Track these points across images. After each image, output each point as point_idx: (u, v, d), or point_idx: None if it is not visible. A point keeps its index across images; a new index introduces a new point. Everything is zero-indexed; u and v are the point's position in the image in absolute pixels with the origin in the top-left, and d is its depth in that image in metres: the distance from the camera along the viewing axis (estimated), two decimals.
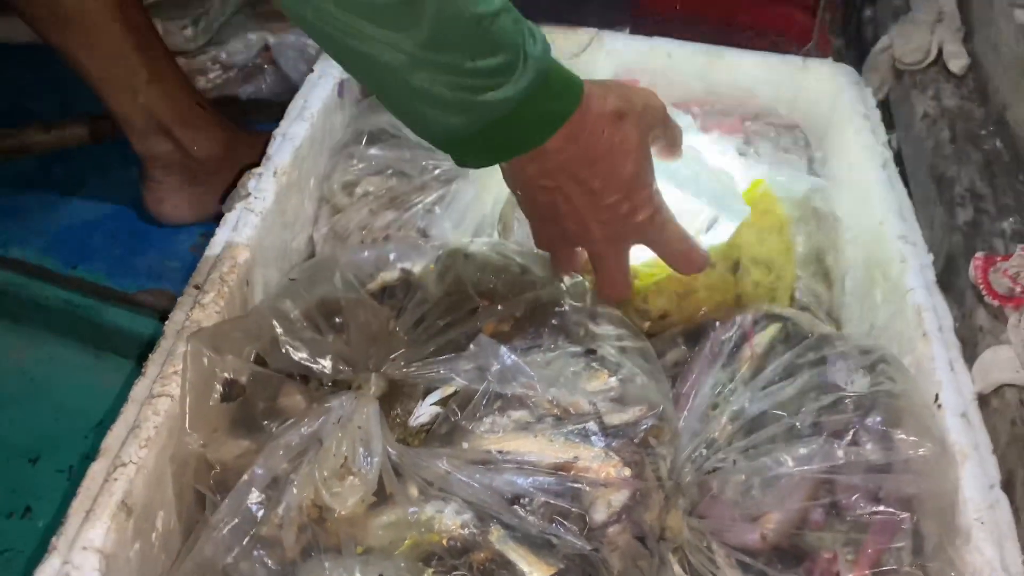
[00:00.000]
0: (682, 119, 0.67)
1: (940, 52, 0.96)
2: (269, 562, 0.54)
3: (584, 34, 0.97)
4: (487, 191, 0.81)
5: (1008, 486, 0.58)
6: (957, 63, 0.94)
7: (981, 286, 0.67)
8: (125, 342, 1.11)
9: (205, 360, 0.57)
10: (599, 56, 0.97)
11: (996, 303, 0.66)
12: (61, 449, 1.03)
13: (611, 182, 0.57)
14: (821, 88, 0.95)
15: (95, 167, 1.28)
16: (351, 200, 0.82)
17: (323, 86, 0.85)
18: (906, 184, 0.83)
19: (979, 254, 0.69)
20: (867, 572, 0.55)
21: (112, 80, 0.91)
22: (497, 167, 0.59)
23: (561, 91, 0.54)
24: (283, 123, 0.81)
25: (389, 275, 0.71)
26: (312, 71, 0.89)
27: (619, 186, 0.58)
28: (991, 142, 0.84)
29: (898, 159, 0.88)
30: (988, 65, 0.91)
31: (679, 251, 0.64)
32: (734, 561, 0.60)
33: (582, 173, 0.56)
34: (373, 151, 0.85)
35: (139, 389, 0.58)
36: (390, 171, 0.83)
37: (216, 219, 1.11)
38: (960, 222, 0.76)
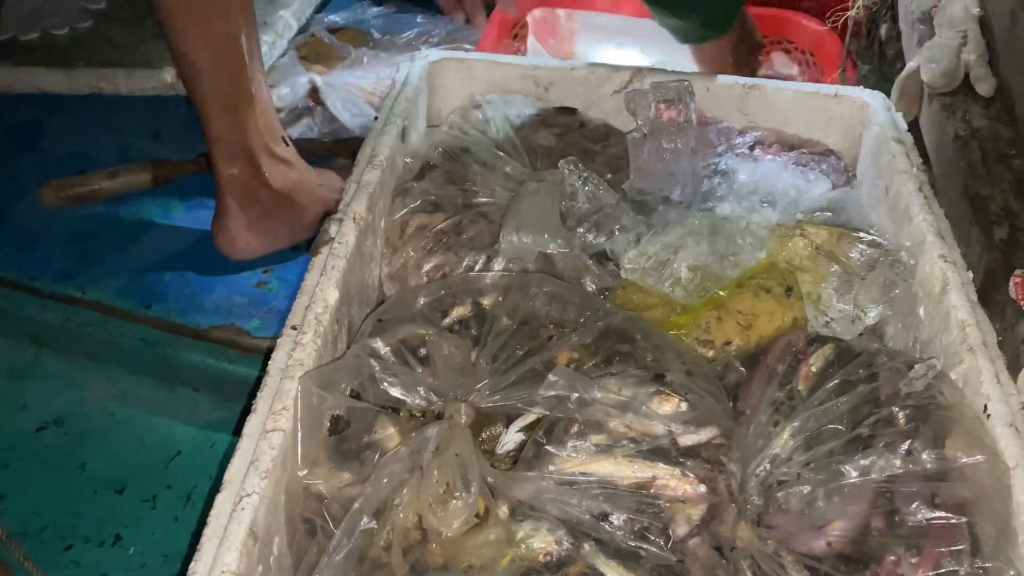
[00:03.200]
0: None
1: (967, 75, 1.00)
2: None
3: (626, 72, 1.03)
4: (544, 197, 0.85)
5: None
6: (984, 86, 0.98)
7: (1020, 302, 0.72)
8: (197, 376, 1.17)
9: (314, 398, 0.63)
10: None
11: None
12: (144, 480, 1.09)
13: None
14: (853, 115, 1.00)
15: (159, 211, 1.35)
16: (403, 240, 0.88)
17: (389, 133, 0.91)
18: (941, 204, 0.88)
19: (1019, 271, 0.74)
20: (930, 573, 0.59)
21: (221, 94, 0.97)
22: None
23: None
24: (356, 170, 0.87)
25: (462, 309, 0.77)
26: (375, 119, 0.95)
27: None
28: (1021, 161, 0.88)
29: (930, 180, 0.93)
30: (1015, 86, 0.96)
31: None
32: (802, 567, 0.64)
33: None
34: (423, 186, 0.90)
35: (252, 425, 0.63)
36: (432, 208, 0.88)
37: (288, 252, 1.19)
38: (997, 240, 0.81)
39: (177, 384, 1.18)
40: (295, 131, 1.40)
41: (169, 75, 1.41)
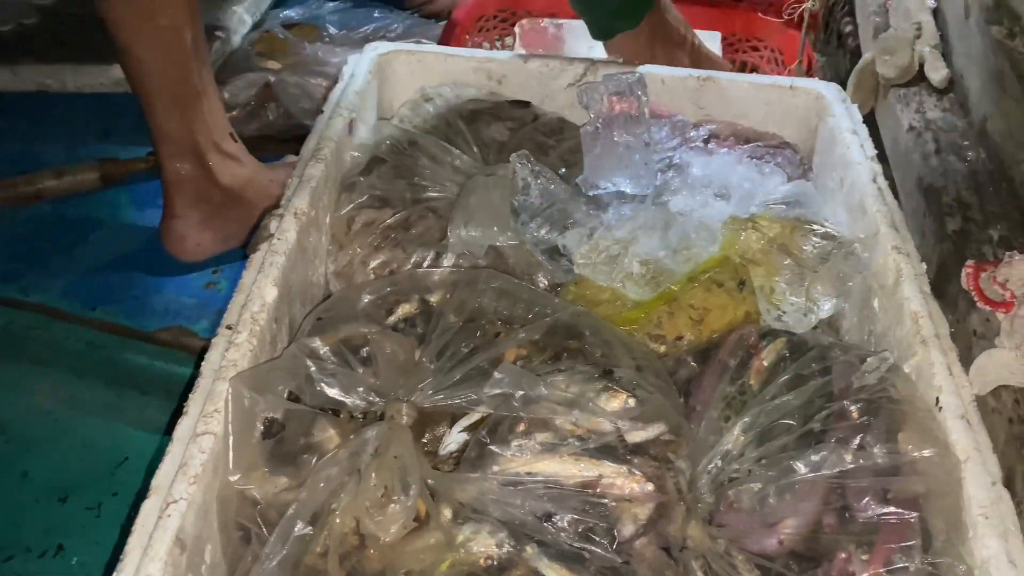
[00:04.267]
0: None
1: (921, 67, 1.00)
2: None
3: (579, 65, 1.01)
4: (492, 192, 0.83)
5: (1009, 483, 0.61)
6: (938, 77, 0.98)
7: (973, 293, 0.71)
8: (145, 380, 1.14)
9: (246, 401, 0.61)
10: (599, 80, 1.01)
11: (988, 308, 0.70)
12: (89, 487, 1.06)
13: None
14: (809, 107, 0.99)
15: (107, 211, 1.31)
16: (349, 236, 0.85)
17: (334, 125, 0.88)
18: (896, 196, 0.87)
19: (970, 262, 0.73)
20: (881, 570, 0.58)
21: (167, 91, 0.94)
22: None
23: None
24: (299, 164, 0.84)
25: (408, 307, 0.75)
26: (321, 111, 0.93)
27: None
28: (974, 153, 0.88)
29: (886, 172, 0.92)
30: (967, 78, 0.95)
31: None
32: (753, 566, 0.63)
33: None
34: (370, 180, 0.88)
35: (183, 428, 0.61)
36: (379, 203, 0.86)
37: (238, 252, 1.15)
38: (949, 231, 0.80)
39: (124, 388, 1.15)
40: (249, 128, 1.37)
41: (118, 71, 1.37)
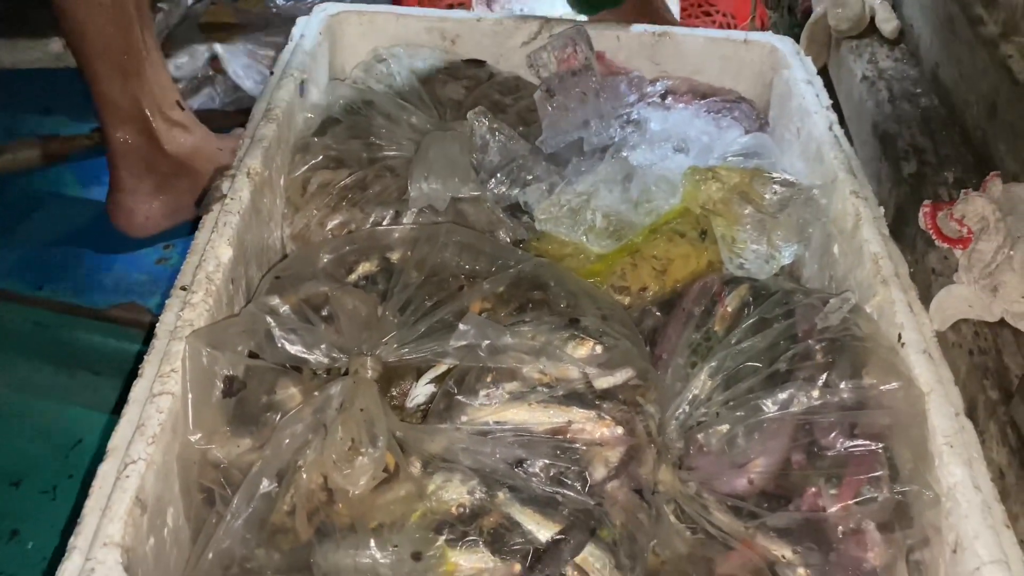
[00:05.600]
0: None
1: (872, 19, 1.01)
2: (284, 547, 0.56)
3: (533, 23, 1.00)
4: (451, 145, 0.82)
5: (971, 412, 0.62)
6: (889, 27, 0.99)
7: (931, 231, 0.72)
8: (98, 359, 1.11)
9: (204, 359, 0.59)
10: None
11: (946, 246, 0.71)
12: (42, 471, 1.03)
13: None
14: (763, 61, 0.99)
15: (50, 189, 1.27)
16: (305, 198, 0.83)
17: (285, 87, 0.86)
18: (852, 144, 0.88)
19: (927, 202, 0.74)
20: (850, 502, 0.59)
21: (109, 55, 0.91)
22: None
23: None
24: (249, 126, 0.82)
25: (369, 264, 0.73)
26: (271, 73, 0.90)
27: None
28: (927, 99, 0.89)
29: (840, 121, 0.92)
30: (918, 27, 0.96)
31: None
32: (725, 507, 0.63)
33: None
34: (324, 141, 0.85)
35: (139, 389, 0.59)
36: (335, 164, 0.84)
37: (188, 229, 1.12)
38: (905, 175, 0.81)
39: (75, 368, 1.11)
40: (195, 102, 1.33)
41: (57, 45, 1.33)
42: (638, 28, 1.00)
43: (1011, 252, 0.64)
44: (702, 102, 0.98)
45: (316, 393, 0.60)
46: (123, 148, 1.03)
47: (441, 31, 1.00)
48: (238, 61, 1.35)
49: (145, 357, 0.61)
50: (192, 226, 1.14)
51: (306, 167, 0.82)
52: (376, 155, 0.83)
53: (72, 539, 0.51)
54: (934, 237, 0.72)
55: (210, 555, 0.53)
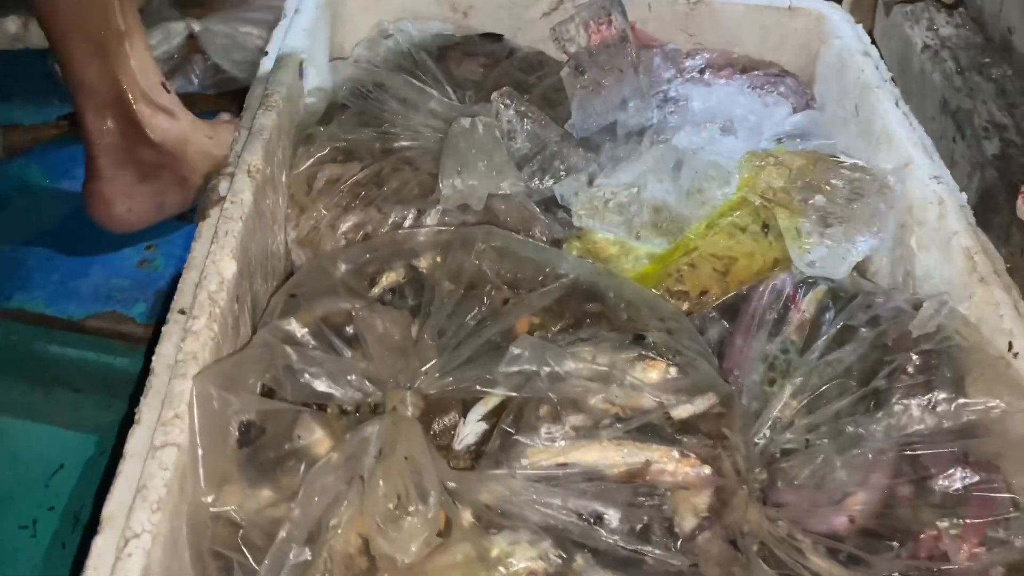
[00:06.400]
0: None
1: None
2: None
3: None
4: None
5: None
6: None
7: None
8: (76, 375, 1.00)
9: (215, 402, 0.49)
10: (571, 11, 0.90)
11: None
12: (20, 502, 0.93)
13: None
14: (809, 30, 0.90)
15: (14, 185, 1.15)
16: (311, 197, 0.73)
17: (284, 68, 0.76)
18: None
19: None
20: (978, 549, 0.50)
21: (85, 31, 0.80)
22: None
23: None
24: (246, 115, 0.72)
25: (394, 275, 0.63)
26: (266, 53, 0.80)
27: None
28: (998, 70, 0.80)
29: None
30: None
31: None
32: (823, 549, 0.55)
33: None
34: (331, 130, 0.75)
35: (137, 441, 0.49)
36: (343, 156, 0.74)
37: (173, 227, 1.02)
38: (989, 155, 0.72)
39: (53, 385, 1.01)
40: (173, 84, 1.21)
41: (13, 24, 1.20)
42: None
43: None
44: (744, 76, 0.89)
45: (347, 436, 0.51)
46: (101, 136, 0.91)
47: (452, 2, 0.89)
48: (218, 40, 1.23)
49: (141, 399, 0.51)
50: (177, 224, 1.04)
51: (311, 160, 0.72)
52: (391, 145, 0.73)
53: None
54: None
55: None
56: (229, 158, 0.68)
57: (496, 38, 0.88)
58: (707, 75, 0.87)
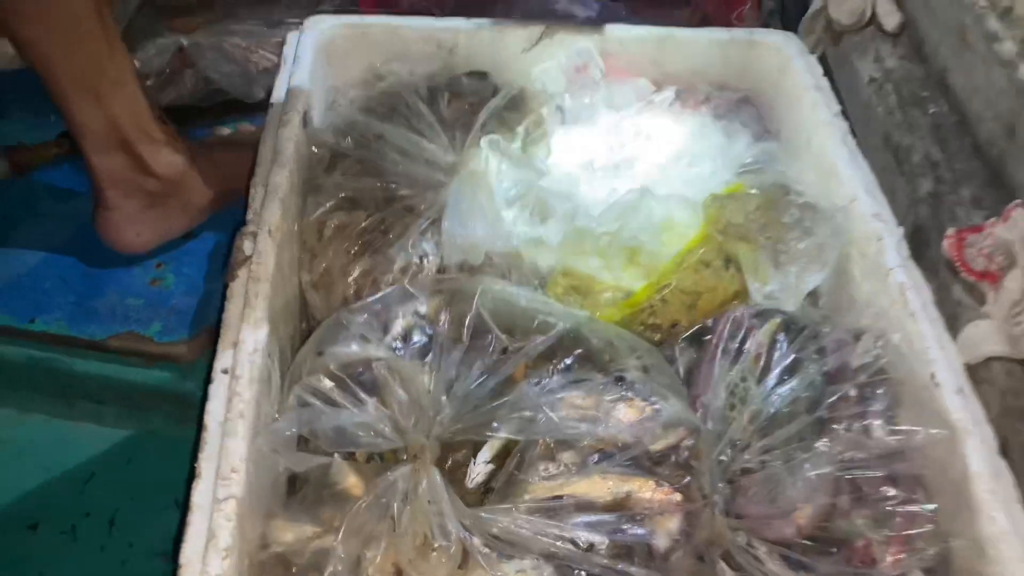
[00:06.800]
0: None
1: (874, 11, 1.00)
2: None
3: (535, 29, 0.97)
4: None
5: (1004, 453, 0.65)
6: (892, 20, 0.98)
7: (957, 263, 0.73)
8: (99, 390, 1.08)
9: (268, 460, 0.58)
10: (551, 48, 0.97)
11: (972, 279, 0.72)
12: (58, 511, 1.02)
13: None
14: (769, 60, 0.98)
15: (23, 204, 1.21)
16: (322, 243, 0.81)
17: (290, 123, 0.82)
18: (861, 149, 0.88)
19: (950, 231, 0.75)
20: (902, 555, 0.61)
21: (80, 81, 0.86)
22: None
23: None
24: (259, 171, 0.79)
25: (404, 321, 0.72)
26: (269, 105, 0.86)
27: None
28: (935, 105, 0.89)
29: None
30: (923, 25, 0.95)
31: None
32: (777, 556, 0.65)
33: None
34: (336, 179, 0.83)
35: (200, 494, 0.58)
36: (349, 205, 0.81)
37: (179, 241, 1.09)
38: (923, 193, 0.82)
39: (77, 400, 1.09)
40: (166, 98, 1.27)
41: (6, 45, 1.24)
42: (641, 30, 0.98)
43: None
44: (709, 105, 0.97)
45: (378, 480, 0.60)
46: (107, 171, 0.98)
47: (438, 40, 0.96)
48: (206, 54, 1.28)
49: (199, 455, 0.60)
50: (183, 241, 1.11)
51: (321, 210, 0.80)
52: (393, 195, 0.81)
53: None
54: (960, 269, 0.73)
55: None
56: (249, 213, 0.76)
57: (481, 76, 0.95)
58: (675, 107, 0.96)
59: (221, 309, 0.69)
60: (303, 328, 0.79)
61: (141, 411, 1.07)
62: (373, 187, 0.80)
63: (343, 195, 0.81)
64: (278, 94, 0.86)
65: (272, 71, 1.21)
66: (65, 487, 1.02)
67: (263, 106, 0.89)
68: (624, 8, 1.11)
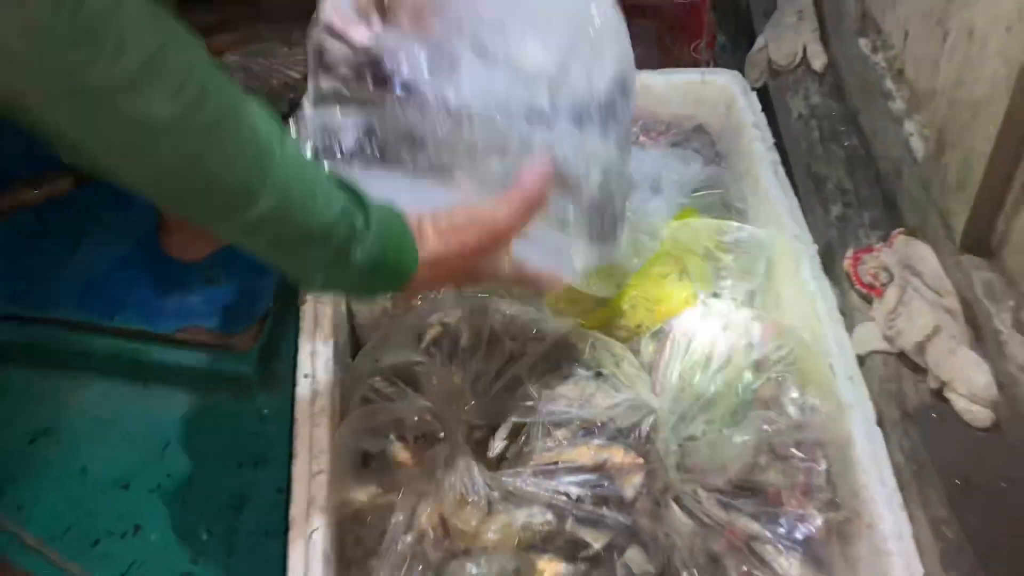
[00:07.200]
0: None
1: (805, 51, 1.21)
2: (421, 568, 0.81)
3: None
4: None
5: (879, 424, 0.89)
6: (818, 61, 1.19)
7: (852, 278, 0.96)
8: (169, 373, 1.30)
9: (350, 444, 0.81)
10: None
11: (864, 290, 0.96)
12: (145, 473, 1.24)
13: (464, 281, 0.85)
14: (718, 96, 1.19)
15: (88, 214, 1.40)
16: None
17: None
18: (791, 176, 1.10)
19: (850, 252, 0.98)
20: (802, 498, 0.86)
21: None
22: None
23: (396, 266, 0.67)
24: None
25: (433, 331, 0.95)
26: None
27: (471, 280, 0.83)
28: (848, 140, 1.11)
29: (780, 149, 1.14)
30: (841, 62, 1.17)
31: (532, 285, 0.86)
32: (713, 499, 0.90)
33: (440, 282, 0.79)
34: None
35: (299, 468, 0.81)
36: None
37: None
38: (833, 217, 1.04)
39: (153, 383, 1.30)
40: None
41: None
42: None
43: (904, 302, 0.90)
44: (668, 134, 1.19)
45: (426, 454, 0.84)
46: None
47: None
48: (235, 74, 1.46)
49: (294, 441, 0.83)
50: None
51: None
52: None
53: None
54: (855, 282, 0.96)
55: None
56: None
57: None
58: (641, 139, 1.17)
59: (297, 325, 0.91)
60: (351, 334, 1.02)
61: (205, 391, 1.29)
62: None
63: None
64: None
65: (294, 86, 1.42)
66: (148, 453, 1.25)
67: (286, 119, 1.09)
68: None
